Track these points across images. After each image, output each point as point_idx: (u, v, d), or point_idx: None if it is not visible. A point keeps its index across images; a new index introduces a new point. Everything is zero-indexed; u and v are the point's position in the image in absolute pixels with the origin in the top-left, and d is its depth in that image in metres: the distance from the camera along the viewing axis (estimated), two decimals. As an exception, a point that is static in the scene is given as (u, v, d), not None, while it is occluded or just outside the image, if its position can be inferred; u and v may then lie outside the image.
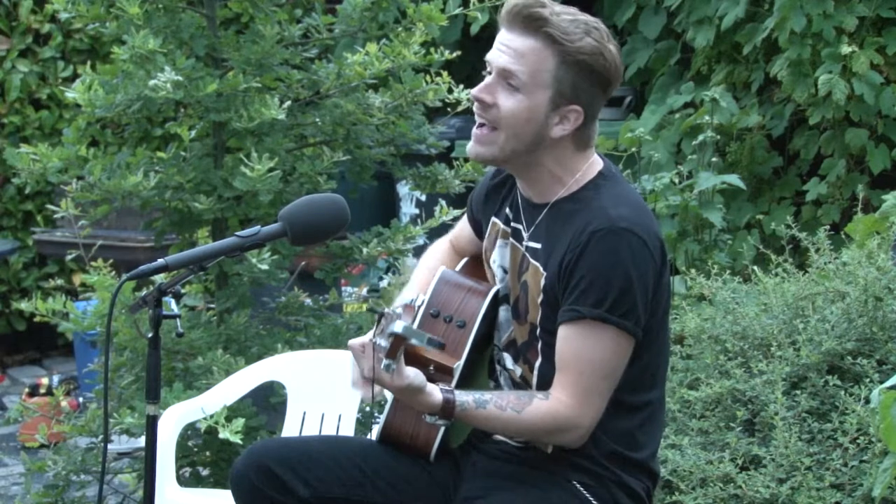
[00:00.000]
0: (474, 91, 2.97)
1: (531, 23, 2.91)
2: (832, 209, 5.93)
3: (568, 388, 2.89)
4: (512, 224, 3.09)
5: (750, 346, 4.15)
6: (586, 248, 2.87)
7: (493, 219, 3.16)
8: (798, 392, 3.92)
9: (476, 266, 3.23)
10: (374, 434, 3.17)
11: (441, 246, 3.35)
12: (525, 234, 3.04)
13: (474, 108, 2.99)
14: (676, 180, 5.63)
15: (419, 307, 2.91)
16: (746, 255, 5.53)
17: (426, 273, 3.24)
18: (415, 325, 2.96)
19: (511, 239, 3.08)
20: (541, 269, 2.97)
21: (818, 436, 3.84)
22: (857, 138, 5.85)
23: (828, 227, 4.63)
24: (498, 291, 3.09)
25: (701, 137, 5.80)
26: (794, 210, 6.04)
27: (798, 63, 5.81)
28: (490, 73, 2.97)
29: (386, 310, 2.78)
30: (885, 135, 5.86)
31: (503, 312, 3.10)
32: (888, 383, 2.85)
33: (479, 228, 3.23)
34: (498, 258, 3.12)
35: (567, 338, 2.90)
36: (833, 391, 3.90)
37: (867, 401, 3.69)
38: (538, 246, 3.00)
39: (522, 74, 2.91)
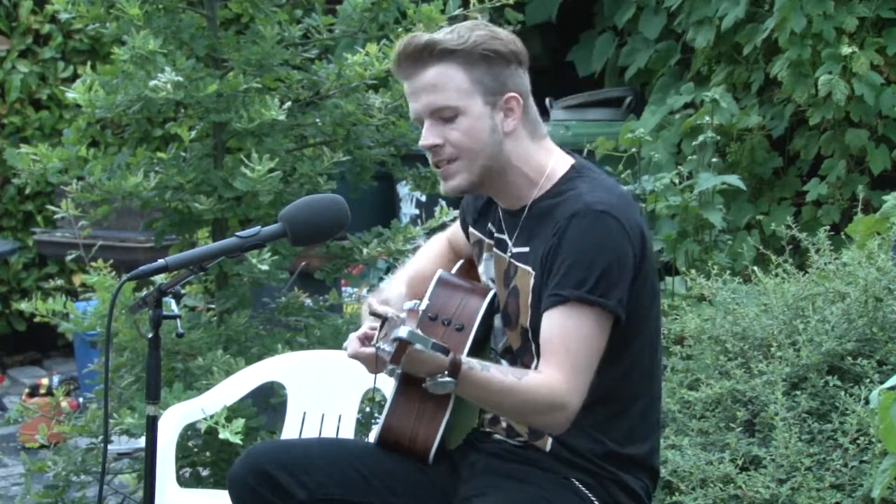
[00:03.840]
0: (422, 142, 2.99)
1: (420, 55, 2.94)
2: (832, 210, 5.94)
3: (556, 365, 2.87)
4: (496, 236, 3.10)
5: (750, 346, 4.15)
6: (566, 231, 2.89)
7: (471, 230, 3.19)
8: (798, 392, 3.92)
9: (472, 269, 3.24)
10: (372, 436, 3.17)
11: (439, 242, 3.36)
12: (510, 243, 3.05)
13: (429, 158, 3.02)
14: (676, 181, 5.63)
15: (422, 311, 2.90)
16: (746, 256, 5.53)
17: (423, 262, 3.27)
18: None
19: (495, 250, 3.10)
20: (529, 269, 2.98)
21: (818, 436, 3.84)
22: (857, 139, 5.85)
23: (828, 227, 4.63)
24: (495, 294, 3.10)
25: (701, 138, 5.80)
26: (794, 210, 6.04)
27: (798, 63, 5.81)
28: (423, 123, 2.99)
29: (390, 314, 2.77)
30: (886, 135, 5.86)
31: (497, 321, 3.11)
32: (888, 384, 2.85)
33: (468, 236, 3.25)
34: (485, 271, 3.14)
35: (552, 320, 2.89)
36: (833, 392, 3.90)
37: (867, 401, 3.69)
38: (526, 249, 3.01)
39: (448, 100, 2.94)
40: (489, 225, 3.13)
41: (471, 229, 3.19)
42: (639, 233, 2.93)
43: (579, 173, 3.01)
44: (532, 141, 3.01)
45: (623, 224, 2.90)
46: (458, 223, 3.32)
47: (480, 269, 3.15)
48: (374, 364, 2.89)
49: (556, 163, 3.03)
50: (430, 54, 2.94)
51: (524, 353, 3.02)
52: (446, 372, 2.81)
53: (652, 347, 3.05)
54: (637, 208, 3.03)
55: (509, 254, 3.04)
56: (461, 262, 3.29)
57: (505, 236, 3.07)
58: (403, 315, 2.76)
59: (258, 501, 3.04)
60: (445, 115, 2.96)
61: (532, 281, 2.96)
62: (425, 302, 3.05)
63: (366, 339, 2.98)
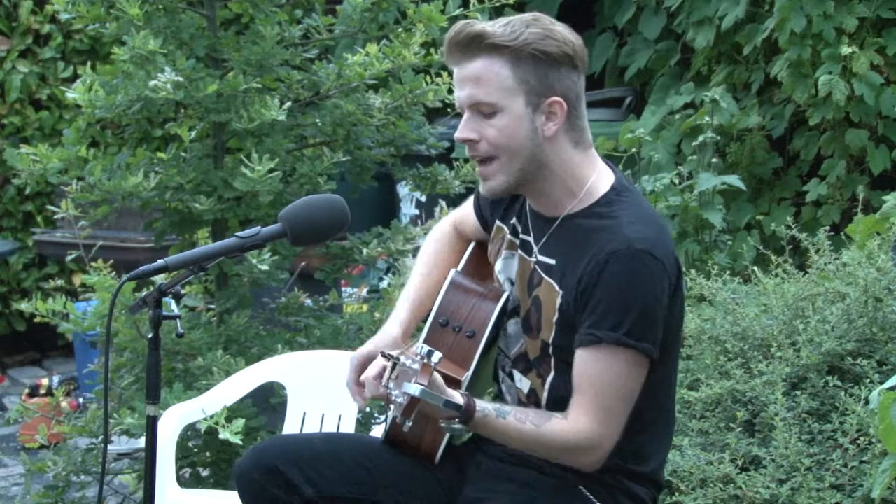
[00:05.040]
0: (457, 134, 2.94)
1: (469, 45, 2.88)
2: (832, 210, 5.94)
3: (586, 409, 2.86)
4: (521, 236, 3.05)
5: (750, 346, 4.15)
6: (604, 270, 2.84)
7: (499, 223, 3.12)
8: (798, 393, 3.92)
9: (482, 255, 3.20)
10: (378, 432, 3.16)
11: (444, 231, 3.29)
12: (535, 248, 3.00)
13: (466, 151, 2.97)
14: (676, 181, 5.64)
15: (433, 360, 2.83)
16: (746, 256, 5.53)
17: (431, 262, 3.22)
18: (422, 339, 2.95)
19: (519, 251, 3.04)
20: (556, 286, 2.93)
21: (818, 436, 3.84)
22: (857, 139, 5.85)
23: (828, 227, 4.63)
24: (508, 297, 3.05)
25: (701, 138, 5.80)
26: (794, 211, 6.04)
27: (798, 64, 5.82)
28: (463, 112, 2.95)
29: (401, 359, 2.74)
30: (886, 135, 5.87)
31: (513, 326, 3.06)
32: (888, 384, 2.86)
33: (485, 222, 3.19)
34: (503, 269, 3.08)
35: (585, 361, 2.87)
36: (833, 392, 3.90)
37: (867, 401, 3.69)
38: (552, 262, 2.96)
39: (489, 96, 2.88)
40: (513, 220, 3.07)
41: (498, 222, 3.12)
42: (674, 266, 2.90)
43: (619, 195, 2.94)
44: (575, 149, 2.94)
45: (662, 261, 2.86)
46: (469, 204, 3.25)
47: (498, 265, 3.10)
48: (386, 402, 2.86)
49: (598, 177, 2.96)
50: (478, 46, 2.87)
51: (541, 363, 2.99)
52: (457, 419, 2.82)
53: (672, 372, 3.04)
54: (670, 233, 2.98)
55: (534, 259, 2.99)
56: (471, 246, 3.23)
57: (530, 239, 3.02)
58: (416, 367, 2.72)
59: (265, 497, 3.02)
60: (485, 111, 2.89)
61: (559, 300, 2.92)
62: (436, 305, 3.03)
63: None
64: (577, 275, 2.88)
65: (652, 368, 2.91)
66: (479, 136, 2.91)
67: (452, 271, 3.12)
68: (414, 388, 2.66)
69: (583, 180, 2.95)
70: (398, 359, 2.72)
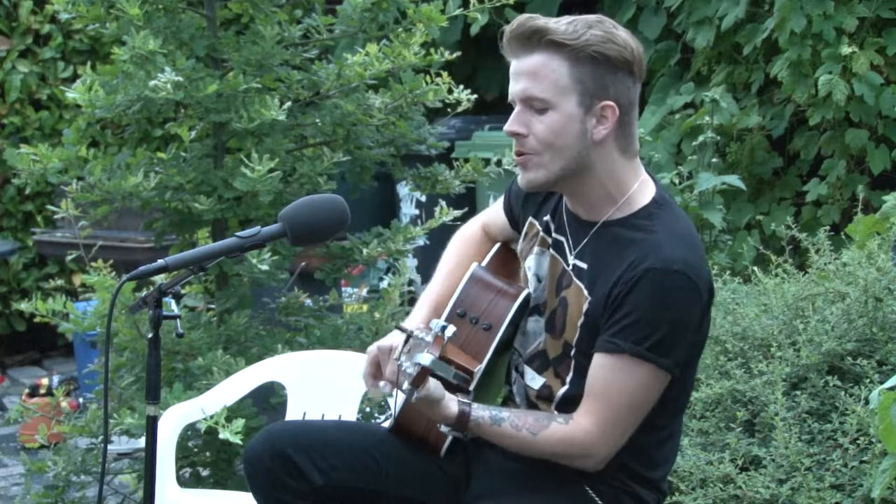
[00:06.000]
0: (507, 127, 2.92)
1: (530, 39, 2.87)
2: (832, 210, 5.94)
3: (592, 415, 2.87)
4: (554, 235, 3.03)
5: (750, 346, 4.15)
6: (637, 284, 2.83)
7: (532, 219, 3.11)
8: (798, 393, 3.92)
9: (507, 255, 3.19)
10: (386, 424, 3.17)
11: (472, 231, 3.28)
12: (570, 250, 2.99)
13: (514, 145, 2.95)
14: (677, 181, 5.64)
15: (446, 334, 2.85)
16: (746, 256, 5.53)
17: (454, 263, 3.20)
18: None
19: (552, 250, 3.03)
20: (585, 291, 2.92)
21: (818, 436, 3.84)
22: (857, 139, 5.85)
23: (828, 227, 4.63)
24: (528, 295, 3.05)
25: (701, 138, 5.81)
26: (794, 211, 6.04)
27: (798, 63, 5.82)
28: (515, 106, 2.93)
29: (415, 332, 2.76)
30: (886, 135, 5.87)
31: (533, 323, 3.05)
32: (888, 384, 2.86)
33: (515, 221, 3.18)
34: (533, 266, 3.07)
35: (602, 366, 2.87)
36: (833, 392, 3.90)
37: (867, 401, 3.69)
38: (584, 266, 2.95)
39: (543, 92, 2.87)
40: (546, 217, 3.06)
41: (531, 219, 3.11)
42: (707, 288, 2.90)
43: (660, 208, 2.93)
44: (621, 156, 2.93)
45: (696, 283, 2.85)
46: (499, 204, 3.24)
47: (529, 261, 3.08)
48: (396, 377, 2.88)
49: (640, 187, 2.95)
50: (538, 41, 2.86)
51: (560, 363, 2.99)
52: (451, 427, 2.86)
53: (689, 384, 3.04)
54: (704, 252, 2.98)
55: (568, 263, 2.98)
56: (497, 246, 3.22)
57: (564, 240, 3.01)
58: (429, 339, 2.74)
59: (274, 482, 3.02)
60: (536, 106, 2.88)
61: (586, 305, 2.92)
62: (455, 296, 3.03)
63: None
64: (608, 284, 2.88)
65: (671, 382, 2.92)
66: (527, 130, 2.90)
67: (474, 265, 3.12)
68: (425, 358, 2.69)
69: (624, 188, 2.94)
70: (412, 332, 2.74)
